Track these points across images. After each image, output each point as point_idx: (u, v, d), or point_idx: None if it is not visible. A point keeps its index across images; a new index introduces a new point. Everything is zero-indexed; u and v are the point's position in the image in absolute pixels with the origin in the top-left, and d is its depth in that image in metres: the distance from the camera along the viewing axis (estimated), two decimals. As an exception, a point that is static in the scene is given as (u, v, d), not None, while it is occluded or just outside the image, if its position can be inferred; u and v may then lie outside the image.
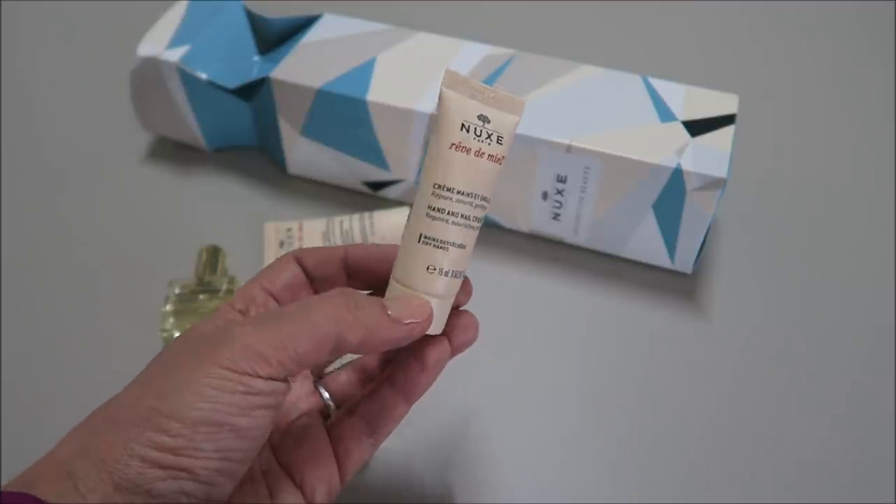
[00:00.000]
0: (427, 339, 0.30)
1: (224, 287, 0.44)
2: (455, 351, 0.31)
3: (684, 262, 0.46)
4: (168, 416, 0.23)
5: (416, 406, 0.31)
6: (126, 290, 0.47)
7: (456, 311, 0.31)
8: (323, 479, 0.30)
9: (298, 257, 0.31)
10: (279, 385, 0.25)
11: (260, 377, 0.24)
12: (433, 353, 0.30)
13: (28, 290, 0.47)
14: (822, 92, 0.59)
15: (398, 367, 0.31)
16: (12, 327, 0.45)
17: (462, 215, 0.29)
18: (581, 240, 0.48)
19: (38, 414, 0.41)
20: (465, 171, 0.28)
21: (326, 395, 0.33)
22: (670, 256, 0.46)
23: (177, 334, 0.42)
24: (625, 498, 0.38)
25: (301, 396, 0.32)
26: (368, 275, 0.31)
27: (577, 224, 0.47)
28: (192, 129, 0.52)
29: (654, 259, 0.47)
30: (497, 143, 0.29)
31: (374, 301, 0.28)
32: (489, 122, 0.29)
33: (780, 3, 0.67)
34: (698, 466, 0.39)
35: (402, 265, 0.29)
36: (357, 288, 0.31)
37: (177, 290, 0.43)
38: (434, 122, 0.29)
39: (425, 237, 0.28)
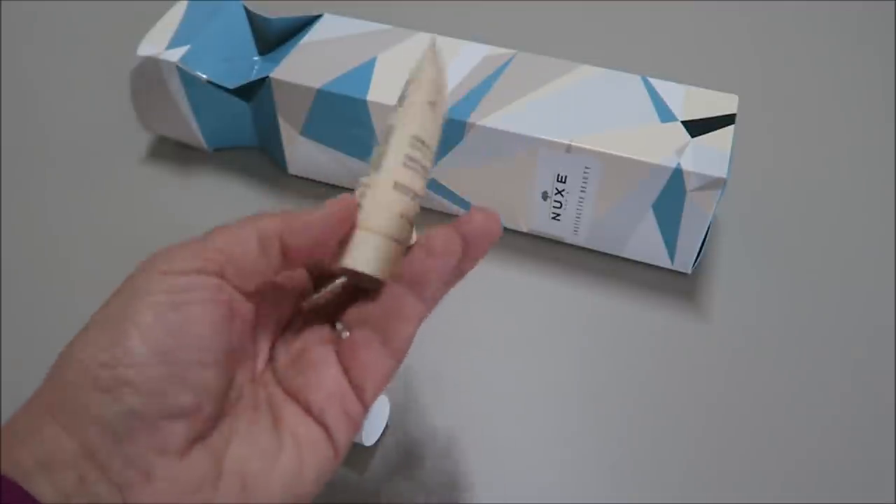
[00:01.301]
0: (435, 232, 0.28)
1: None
2: (471, 246, 0.28)
3: (684, 262, 0.46)
4: (100, 333, 0.24)
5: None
6: (126, 290, 0.47)
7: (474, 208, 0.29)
8: (332, 397, 0.27)
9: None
10: (204, 279, 0.25)
11: (182, 273, 0.25)
12: (440, 239, 0.27)
13: (27, 290, 0.47)
14: (821, 92, 0.59)
15: (405, 261, 0.28)
16: (12, 327, 0.45)
17: (423, 167, 0.30)
18: (581, 240, 0.48)
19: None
20: (434, 127, 0.31)
21: (340, 325, 0.30)
22: (670, 256, 0.46)
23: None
24: (625, 498, 0.38)
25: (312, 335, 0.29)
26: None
27: (577, 224, 0.47)
28: (192, 129, 0.52)
29: (654, 259, 0.47)
30: (438, 93, 0.31)
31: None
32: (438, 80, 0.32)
33: (780, 3, 0.67)
34: (698, 466, 0.39)
35: (367, 213, 0.28)
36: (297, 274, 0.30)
37: None
38: (417, 81, 0.31)
39: (400, 185, 0.29)
